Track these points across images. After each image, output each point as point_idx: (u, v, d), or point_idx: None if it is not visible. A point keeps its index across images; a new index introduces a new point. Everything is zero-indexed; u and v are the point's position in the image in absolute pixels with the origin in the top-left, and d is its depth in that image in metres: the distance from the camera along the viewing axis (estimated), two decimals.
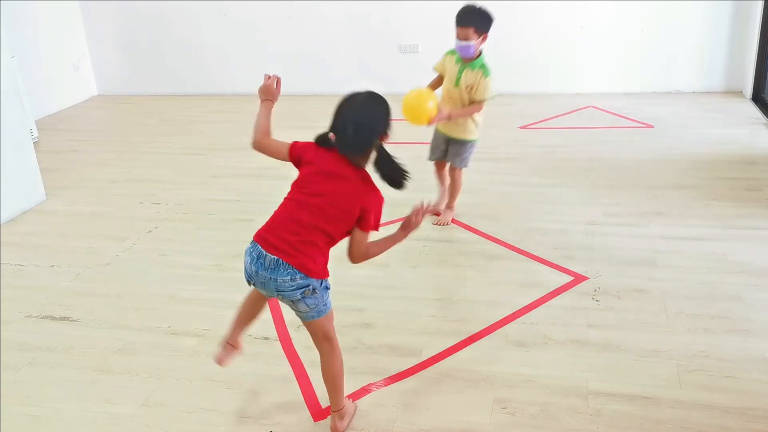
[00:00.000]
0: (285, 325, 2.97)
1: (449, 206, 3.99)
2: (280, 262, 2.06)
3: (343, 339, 2.82)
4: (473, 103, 3.67)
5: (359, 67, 6.96)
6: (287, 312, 3.06)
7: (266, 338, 2.88)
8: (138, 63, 7.55)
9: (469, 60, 3.58)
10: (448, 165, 3.93)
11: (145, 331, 3.00)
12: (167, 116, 6.77)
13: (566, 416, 2.34)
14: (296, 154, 2.18)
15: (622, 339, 2.75)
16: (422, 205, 2.22)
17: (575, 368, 2.59)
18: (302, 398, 2.50)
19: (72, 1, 7.35)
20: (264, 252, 2.09)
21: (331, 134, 2.08)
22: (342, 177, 2.08)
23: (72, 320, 3.12)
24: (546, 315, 2.96)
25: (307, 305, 2.12)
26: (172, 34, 7.34)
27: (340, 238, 2.13)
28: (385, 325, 2.95)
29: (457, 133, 3.77)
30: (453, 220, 3.95)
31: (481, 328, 2.87)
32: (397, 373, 2.61)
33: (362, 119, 2.06)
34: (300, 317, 2.19)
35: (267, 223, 2.15)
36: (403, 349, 2.77)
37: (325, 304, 2.17)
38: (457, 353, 2.72)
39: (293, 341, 2.85)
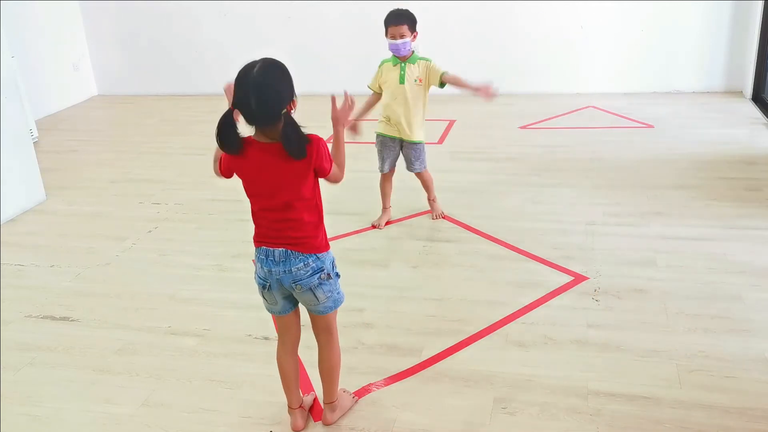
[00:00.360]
0: None
1: (432, 199, 4.04)
2: (289, 252, 2.10)
3: (343, 339, 2.82)
4: (448, 82, 3.64)
5: (359, 66, 6.93)
6: None
7: (266, 338, 2.88)
8: (138, 63, 7.55)
9: (405, 58, 3.67)
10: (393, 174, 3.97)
11: (145, 331, 3.00)
12: (167, 116, 6.78)
13: (566, 416, 2.34)
14: (228, 174, 2.22)
15: (622, 339, 2.75)
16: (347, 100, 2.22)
17: (575, 368, 2.59)
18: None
19: (72, 1, 7.35)
20: (271, 249, 2.11)
21: (234, 111, 1.98)
22: (275, 167, 2.03)
23: (72, 320, 3.12)
24: (546, 315, 2.96)
25: (324, 292, 2.16)
26: (172, 34, 7.34)
27: (320, 195, 2.15)
28: (385, 325, 2.94)
29: (408, 135, 3.75)
30: (450, 219, 3.94)
31: (481, 328, 2.87)
32: (397, 373, 2.61)
33: (263, 89, 1.94)
34: (316, 311, 2.22)
35: (257, 230, 2.18)
36: (403, 349, 2.76)
37: (339, 293, 2.23)
38: (457, 353, 2.72)
39: None
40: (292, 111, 2.02)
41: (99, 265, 3.65)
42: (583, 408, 2.37)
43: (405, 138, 3.76)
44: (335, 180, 2.17)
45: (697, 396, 2.41)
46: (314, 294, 2.15)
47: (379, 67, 3.78)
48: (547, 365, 2.62)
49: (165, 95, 7.53)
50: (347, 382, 2.55)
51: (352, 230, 3.85)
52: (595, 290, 3.13)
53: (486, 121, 5.97)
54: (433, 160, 5.07)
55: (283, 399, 2.36)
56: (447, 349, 2.74)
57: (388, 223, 3.96)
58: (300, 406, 2.36)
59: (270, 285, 2.17)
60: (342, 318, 2.98)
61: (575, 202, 4.14)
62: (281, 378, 2.34)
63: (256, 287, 3.34)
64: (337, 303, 2.24)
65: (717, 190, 4.21)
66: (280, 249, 2.10)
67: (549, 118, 5.94)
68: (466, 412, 2.39)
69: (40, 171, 4.61)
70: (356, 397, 2.48)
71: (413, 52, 3.70)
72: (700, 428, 2.26)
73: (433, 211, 4.02)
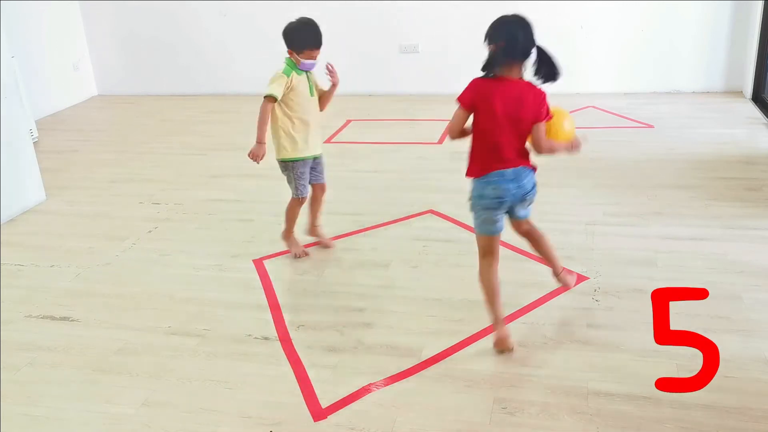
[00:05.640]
0: (285, 325, 2.97)
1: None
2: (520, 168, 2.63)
3: (343, 339, 2.84)
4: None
5: (359, 67, 6.96)
6: (287, 312, 3.07)
7: (266, 338, 2.88)
8: (138, 63, 7.55)
9: None
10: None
11: (145, 331, 3.00)
12: (167, 116, 6.77)
13: (566, 416, 2.34)
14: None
15: (622, 339, 2.75)
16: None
17: (575, 368, 2.59)
18: (302, 398, 2.50)
19: (72, 1, 7.35)
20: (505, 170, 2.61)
21: None
22: None
23: (72, 320, 3.12)
24: (546, 315, 2.96)
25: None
26: (172, 34, 7.34)
27: None
28: (385, 325, 2.94)
29: None
30: (450, 219, 3.94)
31: (481, 328, 2.87)
32: (397, 373, 2.60)
33: None
34: (521, 218, 2.77)
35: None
36: (403, 349, 2.76)
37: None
38: (457, 353, 2.72)
39: (293, 341, 2.85)
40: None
41: (99, 265, 3.65)
42: (583, 408, 2.38)
43: None
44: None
45: (697, 396, 2.40)
46: (530, 199, 2.74)
47: None
48: (547, 365, 2.62)
49: (165, 95, 7.53)
50: (348, 381, 2.56)
51: (352, 230, 3.84)
52: (595, 290, 3.13)
53: None
54: (433, 160, 5.09)
55: (282, 399, 2.36)
56: (447, 349, 2.74)
57: None
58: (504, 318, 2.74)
59: (502, 204, 2.64)
60: (342, 318, 3.00)
61: (575, 202, 4.14)
62: (490, 294, 2.71)
63: (256, 287, 3.34)
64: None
65: (717, 190, 4.21)
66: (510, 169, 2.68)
67: None
68: (466, 412, 2.39)
69: (40, 171, 4.60)
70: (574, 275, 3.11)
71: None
72: (700, 428, 2.26)
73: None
